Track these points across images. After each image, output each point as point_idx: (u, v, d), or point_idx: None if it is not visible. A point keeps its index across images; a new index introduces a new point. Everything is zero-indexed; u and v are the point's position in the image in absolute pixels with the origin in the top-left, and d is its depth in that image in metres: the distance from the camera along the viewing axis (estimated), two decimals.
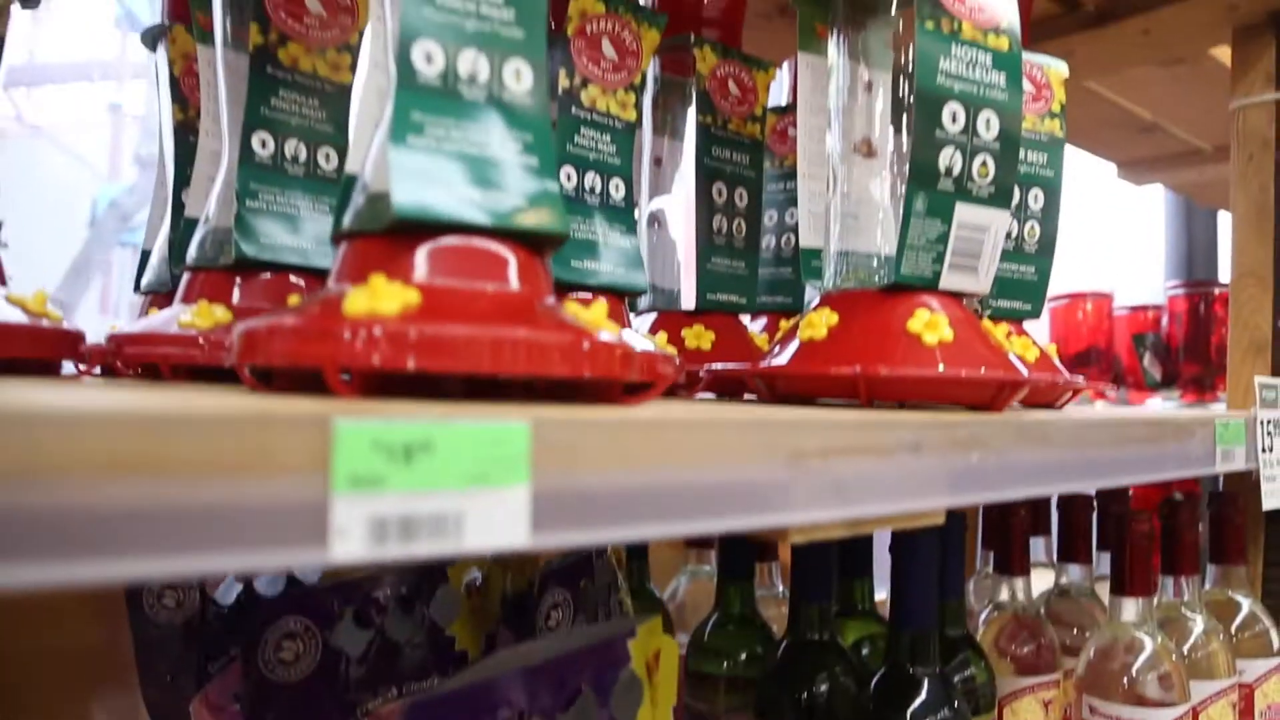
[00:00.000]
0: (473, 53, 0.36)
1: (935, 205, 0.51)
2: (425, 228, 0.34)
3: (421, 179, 0.34)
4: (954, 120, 0.51)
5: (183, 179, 0.64)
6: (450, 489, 0.26)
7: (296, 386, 0.37)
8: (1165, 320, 1.47)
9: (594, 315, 0.37)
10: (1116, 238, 2.39)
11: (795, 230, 0.80)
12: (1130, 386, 1.51)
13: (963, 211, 0.51)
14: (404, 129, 0.34)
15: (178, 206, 0.63)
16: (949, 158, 0.50)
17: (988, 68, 0.52)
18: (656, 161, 0.77)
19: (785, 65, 0.91)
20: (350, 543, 0.24)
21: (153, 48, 0.69)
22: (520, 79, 0.37)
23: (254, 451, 0.23)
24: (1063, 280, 1.03)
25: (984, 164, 0.52)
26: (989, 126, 0.52)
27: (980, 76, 0.51)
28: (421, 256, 0.34)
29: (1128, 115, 1.27)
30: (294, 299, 0.39)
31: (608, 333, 0.36)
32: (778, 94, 0.81)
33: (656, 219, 0.76)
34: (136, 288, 0.67)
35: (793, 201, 0.81)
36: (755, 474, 0.33)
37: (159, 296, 0.64)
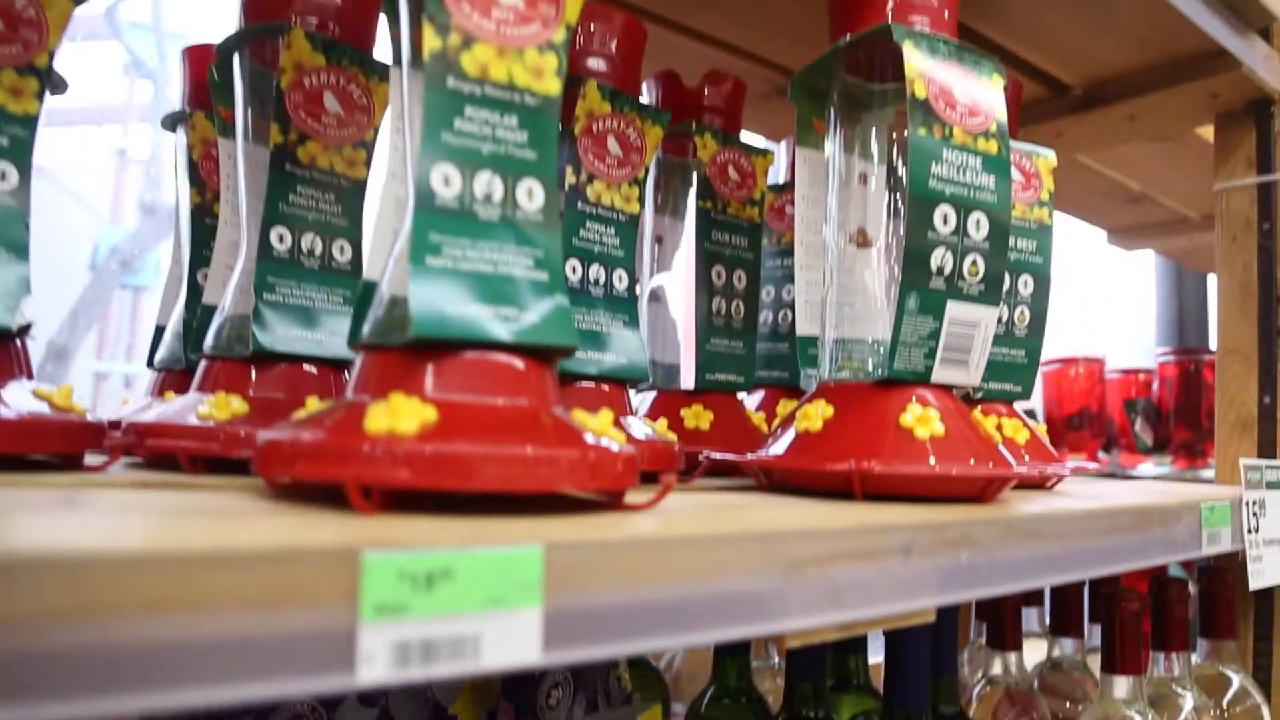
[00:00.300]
0: (488, 174, 0.38)
1: (927, 303, 0.53)
2: (442, 344, 0.36)
3: (439, 299, 0.36)
4: (945, 222, 0.53)
5: (199, 259, 0.66)
6: (468, 613, 0.27)
7: (316, 490, 0.39)
8: (1156, 385, 1.49)
9: (600, 424, 0.39)
10: (1108, 301, 2.42)
11: (792, 305, 0.82)
12: (1123, 450, 1.53)
13: (954, 309, 0.53)
14: (422, 250, 0.36)
15: (193, 287, 0.65)
16: (940, 258, 0.53)
17: (978, 171, 0.54)
18: (658, 240, 0.79)
19: (783, 144, 0.94)
20: (376, 668, 0.25)
21: (172, 129, 0.72)
22: (532, 198, 0.39)
23: (288, 586, 0.24)
24: (1055, 344, 1.05)
25: (974, 263, 0.54)
26: (979, 227, 0.54)
27: (971, 179, 0.54)
28: (438, 372, 0.36)
29: (1117, 186, 1.30)
30: (311, 401, 0.41)
31: (612, 441, 0.37)
32: (775, 172, 0.83)
33: (657, 296, 0.79)
34: (150, 363, 0.69)
35: (789, 278, 0.83)
36: (753, 585, 0.34)
37: (172, 374, 0.66)
